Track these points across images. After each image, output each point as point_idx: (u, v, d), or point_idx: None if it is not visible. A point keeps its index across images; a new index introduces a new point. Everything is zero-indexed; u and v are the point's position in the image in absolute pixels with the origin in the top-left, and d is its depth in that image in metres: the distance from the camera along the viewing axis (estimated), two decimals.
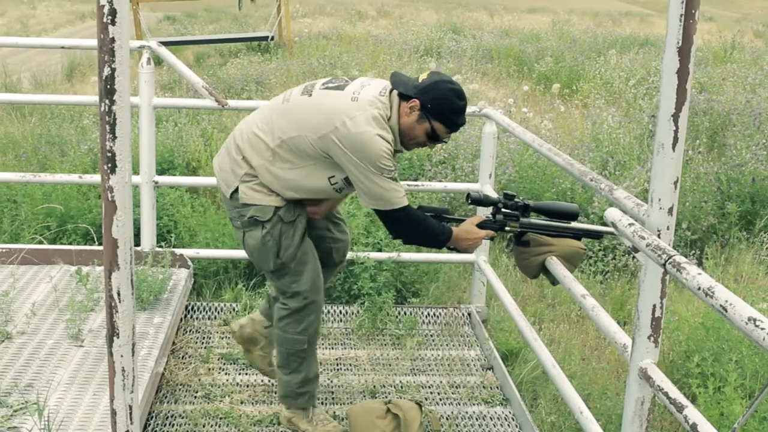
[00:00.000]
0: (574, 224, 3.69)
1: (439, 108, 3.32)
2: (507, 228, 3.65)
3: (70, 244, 5.90)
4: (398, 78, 3.39)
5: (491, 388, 4.26)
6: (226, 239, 5.77)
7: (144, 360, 3.87)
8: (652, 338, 2.51)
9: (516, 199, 3.67)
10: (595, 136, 8.68)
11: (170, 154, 7.50)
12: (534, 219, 3.68)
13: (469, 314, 5.11)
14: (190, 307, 4.97)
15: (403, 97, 3.34)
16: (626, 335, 2.89)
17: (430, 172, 7.32)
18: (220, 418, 3.82)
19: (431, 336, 4.85)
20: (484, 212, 4.04)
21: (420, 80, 3.35)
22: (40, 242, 5.01)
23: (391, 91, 3.37)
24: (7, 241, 5.82)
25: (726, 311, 1.86)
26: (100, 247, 4.99)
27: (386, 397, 4.09)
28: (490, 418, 3.96)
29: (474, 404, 4.06)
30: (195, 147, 7.80)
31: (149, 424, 3.75)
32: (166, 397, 4.01)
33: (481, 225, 3.63)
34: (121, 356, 2.56)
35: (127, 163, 2.46)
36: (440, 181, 7.06)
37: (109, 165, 2.44)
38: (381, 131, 3.25)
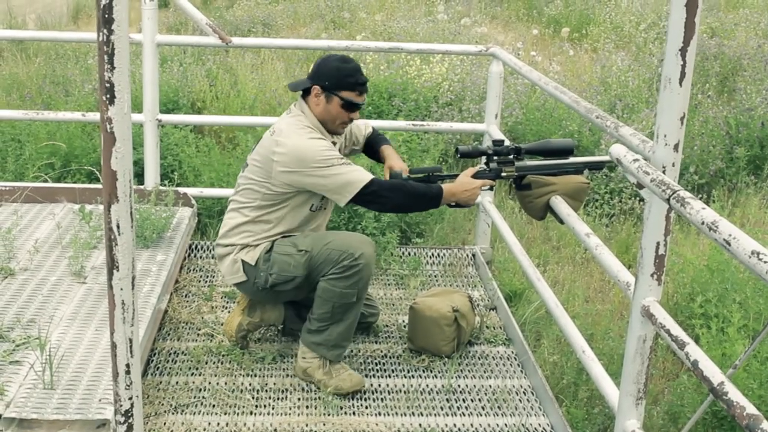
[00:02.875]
0: (571, 159, 3.66)
1: (335, 80, 3.53)
2: (503, 174, 3.64)
3: (74, 183, 5.89)
4: (292, 84, 3.68)
5: (494, 328, 4.26)
6: (230, 179, 5.74)
7: (146, 297, 3.87)
8: (655, 276, 2.49)
9: (506, 144, 3.65)
10: (603, 80, 8.59)
11: (175, 94, 7.44)
12: (529, 161, 3.65)
13: (473, 255, 5.10)
14: (193, 246, 4.97)
15: (304, 93, 3.60)
16: (630, 274, 2.88)
17: (436, 113, 7.27)
18: (223, 355, 3.83)
19: (435, 276, 4.84)
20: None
21: (309, 71, 3.61)
22: (45, 181, 4.98)
23: (296, 103, 3.64)
24: (11, 180, 5.80)
25: (729, 245, 1.83)
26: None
27: (388, 335, 4.10)
28: (492, 358, 3.96)
29: (476, 344, 4.07)
30: (200, 87, 7.75)
31: (152, 361, 3.76)
32: (168, 334, 4.02)
33: (477, 175, 3.64)
34: (121, 289, 2.56)
35: (126, 95, 2.44)
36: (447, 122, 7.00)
37: (108, 96, 2.42)
38: (306, 132, 3.51)
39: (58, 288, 3.91)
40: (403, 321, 4.18)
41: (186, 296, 4.42)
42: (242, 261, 3.62)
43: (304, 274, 3.54)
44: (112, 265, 2.54)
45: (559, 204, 3.54)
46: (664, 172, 2.43)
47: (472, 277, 4.88)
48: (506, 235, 4.52)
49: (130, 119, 2.48)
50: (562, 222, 3.57)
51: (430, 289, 4.45)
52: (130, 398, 2.68)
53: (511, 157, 3.68)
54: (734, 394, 1.96)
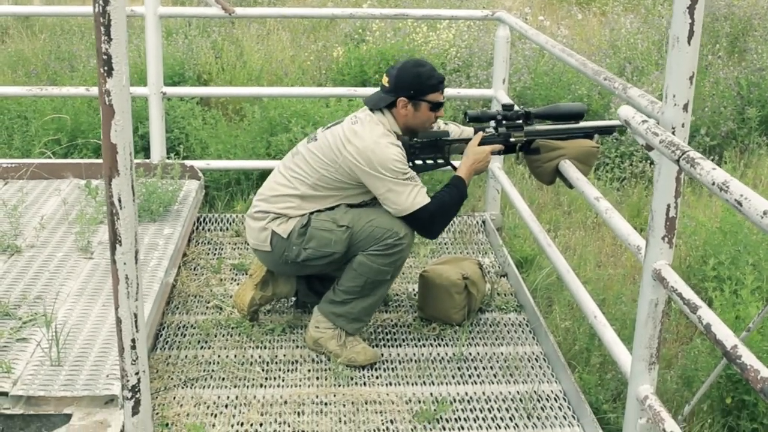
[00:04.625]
0: (581, 123, 3.61)
1: (418, 87, 3.49)
2: (512, 139, 3.60)
3: (80, 158, 5.86)
4: (371, 99, 3.59)
5: (505, 295, 4.23)
6: (237, 151, 5.71)
7: (153, 270, 3.85)
8: (666, 239, 2.44)
9: (515, 109, 3.60)
10: (612, 43, 8.49)
11: (180, 67, 7.39)
12: (539, 126, 3.60)
13: (483, 222, 5.06)
14: (201, 219, 4.94)
15: (388, 106, 3.53)
16: (641, 237, 2.83)
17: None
18: (232, 328, 3.81)
19: (445, 244, 4.80)
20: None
21: (386, 84, 3.52)
22: (49, 157, 4.96)
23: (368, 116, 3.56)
24: (17, 157, 5.78)
25: (741, 205, 1.79)
26: None
27: (398, 304, 4.07)
28: (504, 325, 3.93)
29: (487, 311, 4.03)
30: (206, 59, 7.69)
31: (161, 335, 3.75)
32: (177, 308, 4.00)
33: (485, 141, 3.61)
34: (125, 264, 2.53)
35: (123, 66, 2.39)
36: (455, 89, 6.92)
37: (106, 68, 2.38)
38: (388, 138, 3.46)
39: (65, 264, 3.89)
40: (414, 289, 4.15)
41: (194, 269, 4.40)
42: (273, 231, 3.56)
43: (344, 250, 3.50)
44: (114, 239, 2.51)
45: (568, 168, 3.50)
46: (673, 132, 2.37)
47: (483, 244, 4.84)
48: (516, 201, 4.47)
49: (129, 91, 2.43)
50: (571, 186, 3.53)
51: (440, 257, 4.41)
52: (137, 373, 2.66)
53: (520, 121, 3.64)
54: (748, 357, 1.92)
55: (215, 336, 3.75)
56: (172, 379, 3.42)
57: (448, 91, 5.25)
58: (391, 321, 3.94)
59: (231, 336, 3.76)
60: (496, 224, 5.06)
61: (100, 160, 5.01)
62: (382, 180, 3.42)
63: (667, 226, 2.44)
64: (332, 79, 7.62)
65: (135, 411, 2.71)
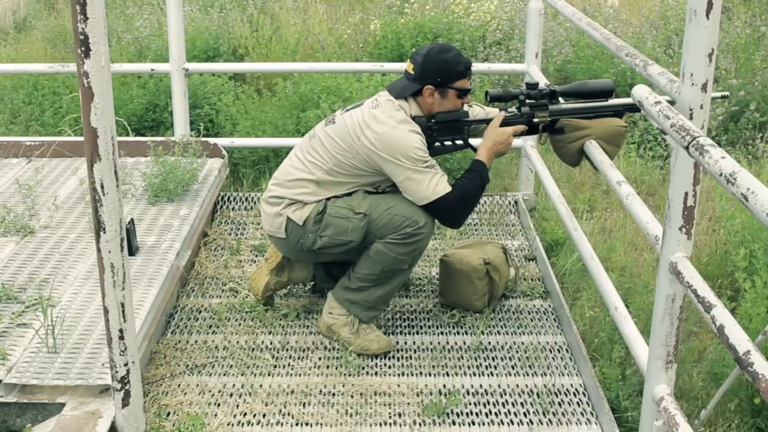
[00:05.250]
0: (610, 101, 3.41)
1: (445, 74, 3.33)
2: (535, 119, 3.41)
3: None
4: (395, 87, 3.40)
5: (531, 280, 4.05)
6: (266, 127, 5.58)
7: (164, 253, 3.75)
8: (684, 230, 2.26)
9: (540, 87, 3.41)
10: (663, 13, 8.17)
11: (215, 41, 7.27)
12: (564, 104, 3.41)
13: (515, 202, 4.88)
14: (226, 198, 4.83)
15: (414, 95, 3.36)
16: (660, 226, 2.64)
17: (483, 53, 6.98)
18: (246, 312, 3.70)
19: (474, 225, 4.64)
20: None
21: (411, 71, 3.35)
22: (70, 135, 4.89)
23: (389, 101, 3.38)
24: (48, 134, 5.74)
25: (747, 200, 1.61)
26: (134, 138, 4.88)
27: (419, 289, 3.93)
28: (528, 312, 3.76)
29: (511, 297, 3.87)
30: (241, 33, 7.57)
31: (173, 319, 3.66)
32: (193, 290, 3.91)
33: (506, 122, 3.42)
34: (109, 252, 2.44)
35: (102, 47, 2.28)
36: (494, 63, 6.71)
37: (83, 48, 2.26)
38: (408, 124, 3.29)
39: (76, 246, 3.81)
40: (436, 274, 4.00)
41: (215, 250, 4.30)
42: (288, 218, 3.41)
43: (360, 239, 3.35)
44: (99, 227, 2.41)
45: (593, 149, 3.31)
46: (691, 115, 2.19)
47: (513, 225, 4.66)
48: (546, 181, 4.30)
49: (110, 72, 2.32)
50: (597, 169, 3.33)
51: (464, 240, 4.25)
52: (126, 364, 2.56)
53: (545, 100, 3.44)
54: (761, 365, 1.74)
55: (228, 320, 3.65)
56: (179, 365, 3.33)
57: (478, 66, 5.07)
58: (411, 307, 3.80)
59: (244, 321, 3.65)
60: (528, 205, 4.88)
61: (122, 138, 4.92)
62: (401, 167, 3.26)
63: (685, 216, 2.26)
64: (369, 53, 7.45)
65: (125, 403, 2.62)
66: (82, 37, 2.24)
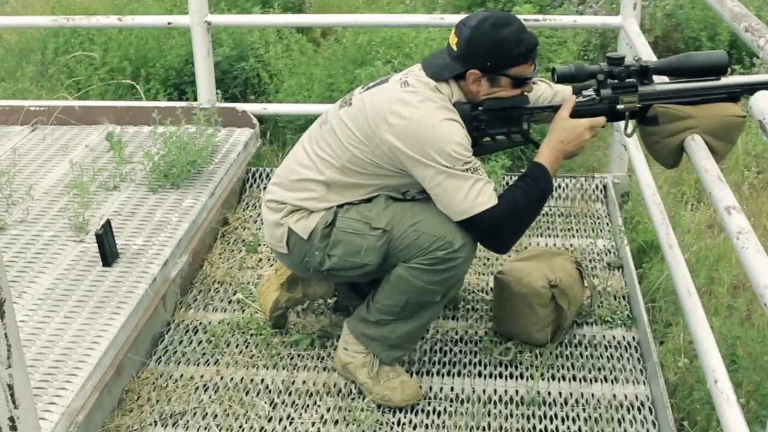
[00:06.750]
0: (723, 80, 2.50)
1: (498, 57, 2.49)
2: (620, 105, 2.53)
3: (148, 90, 5.13)
4: (431, 62, 2.57)
5: (615, 298, 3.22)
6: (314, 86, 4.80)
7: (147, 264, 3.05)
8: None
9: (626, 63, 2.52)
10: None
11: None
12: (659, 85, 2.53)
13: (604, 187, 4.02)
14: (258, 174, 4.11)
15: (456, 78, 2.53)
16: None
17: (561, 7, 5.98)
18: (250, 335, 3.01)
19: (550, 216, 3.81)
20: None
21: (453, 46, 2.52)
22: (81, 98, 4.22)
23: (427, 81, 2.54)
24: (84, 86, 5.10)
25: None
26: (150, 103, 4.17)
27: (470, 307, 3.14)
28: (605, 348, 2.94)
29: (587, 323, 3.05)
30: None
31: (162, 341, 2.99)
32: (195, 298, 3.23)
33: (579, 110, 2.54)
34: None
35: None
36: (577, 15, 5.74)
37: None
38: (445, 112, 2.47)
39: (47, 250, 3.14)
40: (492, 289, 3.19)
41: (234, 242, 3.61)
42: (290, 229, 2.64)
43: (379, 261, 2.56)
44: None
45: (695, 149, 2.42)
46: None
47: (599, 218, 3.81)
48: (639, 167, 3.44)
49: None
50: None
51: (526, 249, 3.42)
52: None
53: (633, 80, 2.56)
54: None
55: (226, 346, 2.96)
56: (152, 413, 2.65)
57: (562, 18, 4.16)
58: (456, 333, 3.03)
59: (246, 347, 2.95)
60: (620, 190, 4.02)
61: (139, 103, 4.23)
62: (433, 169, 2.43)
63: None
64: (451, 3, 6.56)
65: None
66: None
